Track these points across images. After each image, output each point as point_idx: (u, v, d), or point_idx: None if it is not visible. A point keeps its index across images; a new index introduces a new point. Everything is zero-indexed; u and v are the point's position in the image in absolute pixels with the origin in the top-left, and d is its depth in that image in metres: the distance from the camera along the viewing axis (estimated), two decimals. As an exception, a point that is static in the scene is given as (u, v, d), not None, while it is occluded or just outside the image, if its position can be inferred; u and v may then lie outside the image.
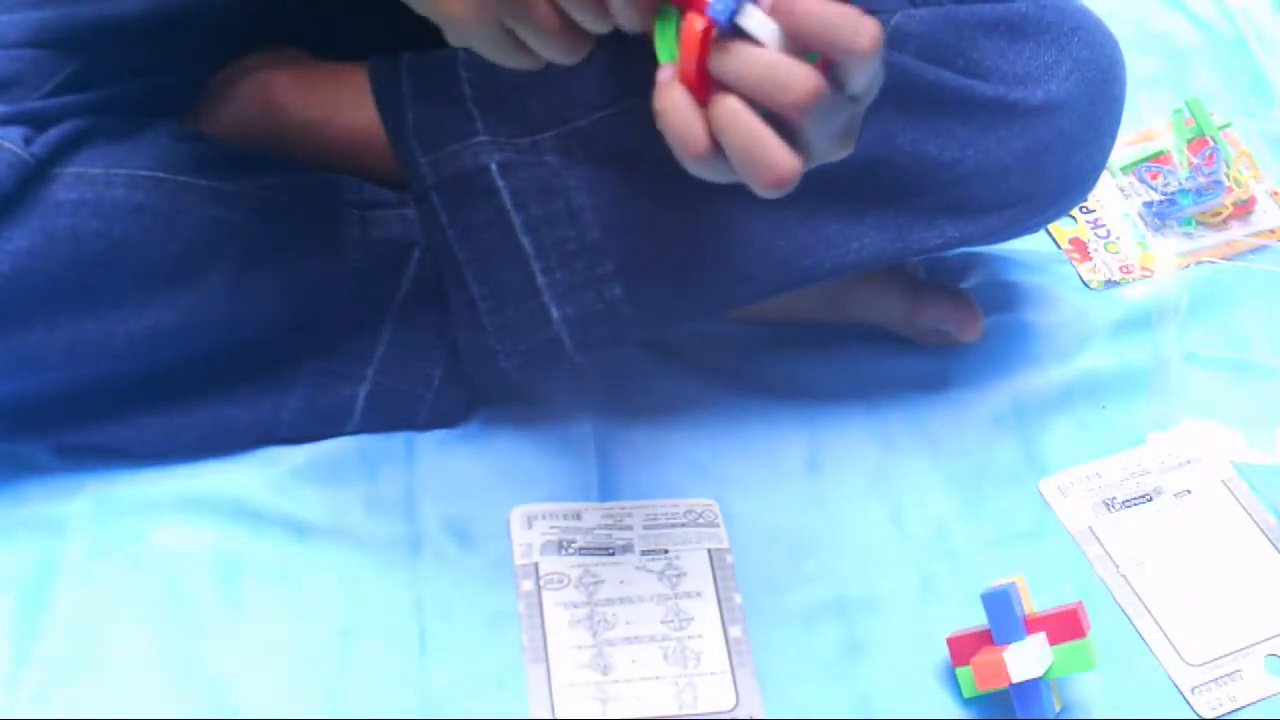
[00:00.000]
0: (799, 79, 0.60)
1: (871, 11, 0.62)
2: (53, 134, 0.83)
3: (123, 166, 0.84)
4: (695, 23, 0.61)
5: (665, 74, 0.62)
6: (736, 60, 0.61)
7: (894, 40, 0.86)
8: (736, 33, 0.61)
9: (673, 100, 0.62)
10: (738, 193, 0.87)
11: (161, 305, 0.85)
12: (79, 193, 0.83)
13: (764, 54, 0.60)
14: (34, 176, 0.82)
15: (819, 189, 0.88)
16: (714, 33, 0.61)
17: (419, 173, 0.89)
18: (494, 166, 0.89)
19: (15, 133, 0.82)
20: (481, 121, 0.90)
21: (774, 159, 0.61)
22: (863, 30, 0.60)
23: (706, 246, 0.88)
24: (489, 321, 0.89)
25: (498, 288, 0.89)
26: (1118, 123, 0.91)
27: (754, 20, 0.61)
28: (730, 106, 0.61)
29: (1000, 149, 0.86)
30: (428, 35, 0.92)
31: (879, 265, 0.91)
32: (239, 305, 0.87)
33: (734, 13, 0.60)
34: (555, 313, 0.89)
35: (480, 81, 0.91)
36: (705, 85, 0.62)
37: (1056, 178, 0.89)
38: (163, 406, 0.89)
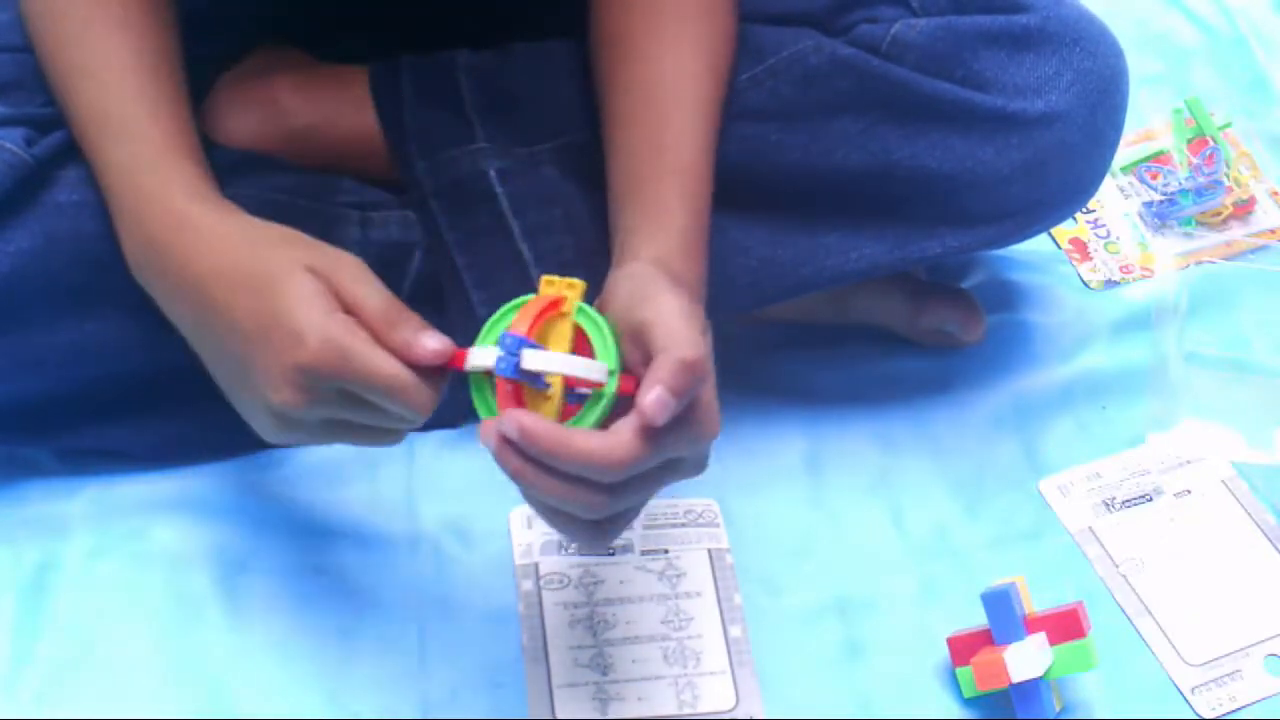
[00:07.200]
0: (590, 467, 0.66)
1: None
2: (55, 136, 0.83)
3: None
4: (502, 385, 0.68)
5: (489, 440, 0.67)
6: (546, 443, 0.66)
7: (893, 51, 0.86)
8: (531, 374, 0.68)
9: (518, 467, 0.67)
10: (735, 202, 0.88)
11: None
12: (80, 194, 0.82)
13: (568, 442, 0.66)
14: (35, 178, 0.82)
15: (817, 200, 0.88)
16: (515, 382, 0.68)
17: (417, 178, 0.89)
18: (493, 173, 0.89)
19: (17, 134, 0.82)
20: (481, 128, 0.90)
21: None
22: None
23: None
24: None
25: (496, 293, 0.89)
26: (1119, 132, 0.91)
27: (535, 362, 0.67)
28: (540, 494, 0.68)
29: (1000, 160, 0.86)
30: (431, 39, 0.93)
31: (878, 274, 0.91)
32: None
33: (515, 364, 0.67)
34: None
35: (480, 88, 0.91)
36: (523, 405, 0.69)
37: (1056, 187, 0.89)
38: (165, 408, 0.89)
